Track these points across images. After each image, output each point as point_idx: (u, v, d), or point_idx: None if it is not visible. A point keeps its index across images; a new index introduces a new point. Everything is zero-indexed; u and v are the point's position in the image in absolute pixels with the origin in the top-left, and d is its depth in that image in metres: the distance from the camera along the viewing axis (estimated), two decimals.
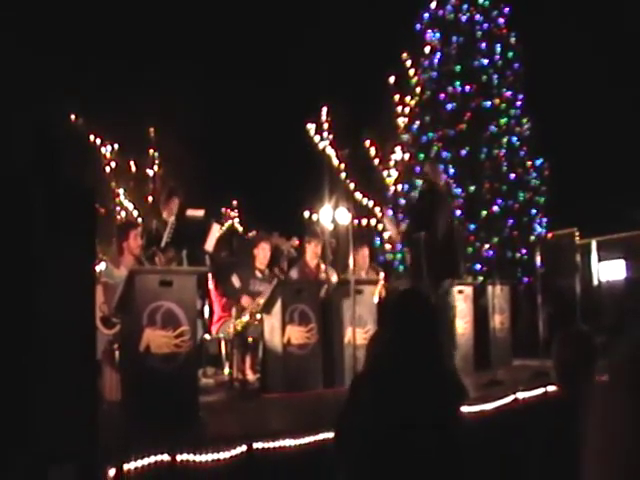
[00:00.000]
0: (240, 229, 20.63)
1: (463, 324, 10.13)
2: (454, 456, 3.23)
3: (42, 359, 4.25)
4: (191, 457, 4.80)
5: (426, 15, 17.09)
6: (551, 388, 6.82)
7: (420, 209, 8.46)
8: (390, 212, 10.65)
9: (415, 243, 8.41)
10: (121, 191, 19.08)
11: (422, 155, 16.05)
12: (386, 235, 9.42)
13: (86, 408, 4.46)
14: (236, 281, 9.01)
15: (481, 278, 13.06)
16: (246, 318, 8.44)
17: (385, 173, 17.46)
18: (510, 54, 16.64)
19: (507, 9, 16.84)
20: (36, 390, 4.23)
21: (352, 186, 16.47)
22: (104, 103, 16.36)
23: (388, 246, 16.20)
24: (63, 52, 15.40)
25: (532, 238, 14.32)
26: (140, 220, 16.70)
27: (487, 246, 14.56)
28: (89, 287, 4.78)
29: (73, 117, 17.71)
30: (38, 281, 4.29)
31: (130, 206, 18.92)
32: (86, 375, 4.57)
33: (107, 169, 18.82)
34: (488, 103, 15.97)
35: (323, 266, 9.57)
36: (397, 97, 17.29)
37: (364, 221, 16.19)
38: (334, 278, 9.39)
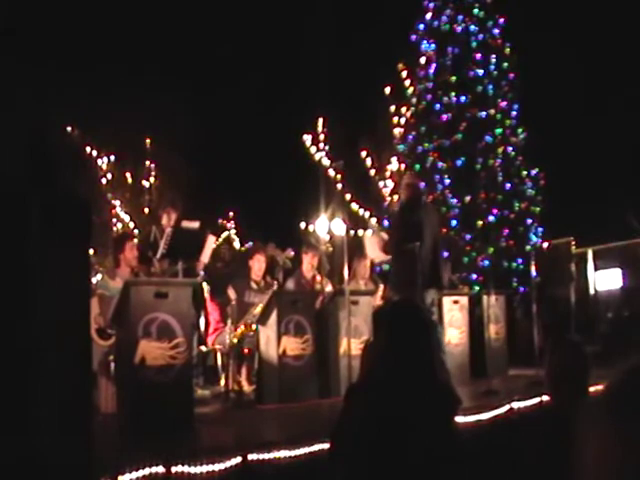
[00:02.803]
0: (236, 240, 20.63)
1: (459, 334, 10.16)
2: (450, 466, 3.24)
3: (36, 370, 4.26)
4: (186, 469, 4.80)
5: (421, 26, 17.12)
6: (547, 398, 6.83)
7: (413, 220, 8.49)
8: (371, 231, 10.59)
9: (408, 254, 8.40)
10: (117, 202, 19.07)
11: (418, 166, 16.07)
12: (370, 250, 9.41)
13: (81, 419, 4.46)
14: (232, 293, 9.02)
15: (477, 288, 13.08)
16: (241, 329, 8.44)
17: (381, 184, 17.49)
18: (505, 64, 16.68)
19: (502, 20, 16.89)
20: (30, 401, 4.23)
21: (348, 197, 16.49)
22: (100, 115, 16.38)
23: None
24: (59, 63, 15.42)
25: (528, 248, 14.32)
26: (137, 231, 16.71)
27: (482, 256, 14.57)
28: (84, 298, 4.79)
29: (69, 129, 17.73)
30: (32, 292, 4.29)
31: (126, 217, 18.91)
32: (81, 386, 4.57)
33: (103, 180, 18.82)
34: (483, 113, 16.00)
35: (319, 277, 9.58)
36: (393, 108, 17.32)
37: (360, 232, 16.23)
38: (328, 288, 9.40)
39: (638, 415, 1.28)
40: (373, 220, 11.23)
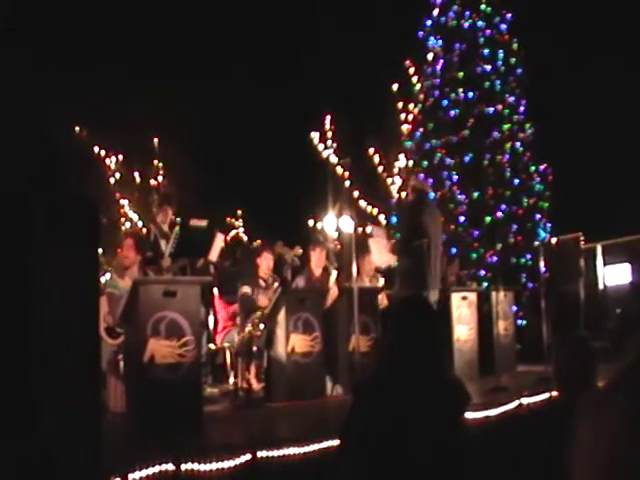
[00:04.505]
0: (245, 238, 20.65)
1: (467, 330, 10.16)
2: (455, 463, 3.24)
3: (45, 370, 4.27)
4: (195, 466, 4.82)
5: (428, 22, 17.08)
6: (555, 393, 6.83)
7: (419, 221, 8.56)
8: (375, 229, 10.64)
9: (416, 251, 8.47)
10: (125, 202, 19.12)
11: (425, 162, 16.05)
12: (375, 256, 9.59)
13: (90, 419, 4.47)
14: (247, 289, 9.01)
15: (485, 284, 13.06)
16: (249, 329, 8.42)
17: (389, 180, 17.49)
18: (512, 60, 16.61)
19: (509, 15, 16.83)
20: (40, 401, 4.25)
21: (356, 194, 16.49)
22: (108, 114, 16.42)
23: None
24: (66, 64, 15.46)
25: (536, 243, 14.28)
26: (145, 230, 16.74)
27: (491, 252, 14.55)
28: (93, 298, 4.80)
29: (77, 129, 17.79)
30: (40, 292, 4.31)
31: (135, 217, 18.95)
32: (90, 386, 4.59)
33: (112, 180, 18.87)
34: (491, 109, 15.94)
35: (335, 272, 9.54)
36: (400, 104, 17.30)
37: (368, 229, 16.22)
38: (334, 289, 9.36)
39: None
40: (369, 228, 11.28)
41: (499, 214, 15.17)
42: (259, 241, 14.16)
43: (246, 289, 8.93)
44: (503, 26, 16.77)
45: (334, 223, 11.02)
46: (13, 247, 4.25)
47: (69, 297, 4.40)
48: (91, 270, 4.72)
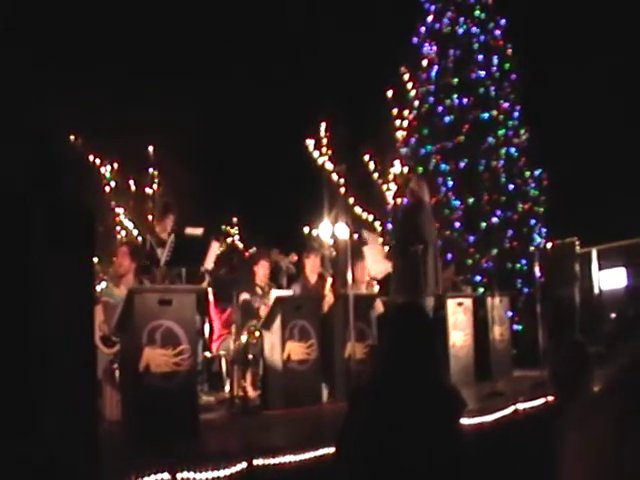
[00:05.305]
0: (240, 246, 20.65)
1: (463, 336, 10.14)
2: (451, 469, 3.24)
3: (41, 379, 4.27)
4: (191, 475, 4.81)
5: (423, 29, 17.11)
6: (551, 398, 6.82)
7: (416, 223, 8.59)
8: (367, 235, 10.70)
9: (411, 256, 8.49)
10: (121, 210, 19.11)
11: (421, 168, 16.06)
12: (371, 265, 9.65)
13: (86, 427, 4.47)
14: (247, 296, 8.99)
15: (481, 290, 13.05)
16: (245, 337, 8.42)
17: (384, 187, 17.49)
18: (507, 65, 16.65)
19: (503, 21, 16.87)
20: (40, 401, 4.25)
21: (351, 201, 16.48)
22: (103, 122, 16.41)
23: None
24: (62, 71, 15.46)
25: (532, 248, 14.28)
26: (140, 239, 16.74)
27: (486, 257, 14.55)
28: (88, 306, 4.80)
29: (72, 137, 17.78)
30: (37, 300, 4.31)
31: (130, 225, 18.94)
32: (86, 394, 4.58)
33: (107, 188, 18.86)
34: (486, 115, 15.97)
35: (330, 279, 9.53)
36: (395, 111, 17.32)
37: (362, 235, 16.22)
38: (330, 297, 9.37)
39: (637, 412, 1.29)
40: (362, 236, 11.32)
41: (494, 219, 15.19)
42: (254, 248, 14.15)
43: (246, 296, 8.94)
44: (497, 32, 16.80)
45: (330, 230, 11.02)
46: (13, 247, 4.25)
47: (65, 306, 4.40)
48: (86, 278, 4.73)
